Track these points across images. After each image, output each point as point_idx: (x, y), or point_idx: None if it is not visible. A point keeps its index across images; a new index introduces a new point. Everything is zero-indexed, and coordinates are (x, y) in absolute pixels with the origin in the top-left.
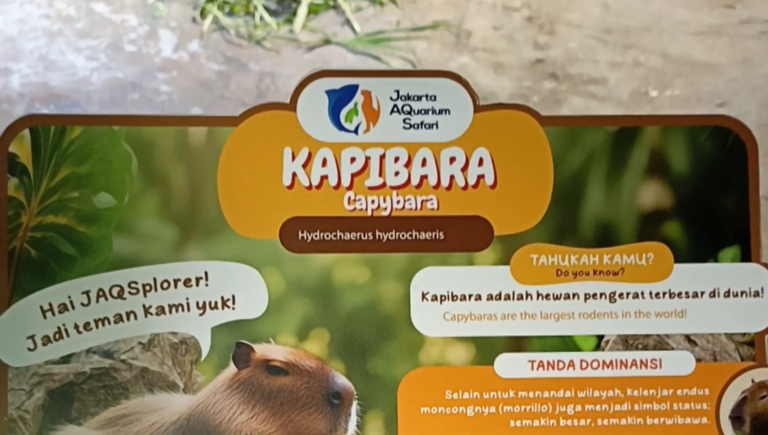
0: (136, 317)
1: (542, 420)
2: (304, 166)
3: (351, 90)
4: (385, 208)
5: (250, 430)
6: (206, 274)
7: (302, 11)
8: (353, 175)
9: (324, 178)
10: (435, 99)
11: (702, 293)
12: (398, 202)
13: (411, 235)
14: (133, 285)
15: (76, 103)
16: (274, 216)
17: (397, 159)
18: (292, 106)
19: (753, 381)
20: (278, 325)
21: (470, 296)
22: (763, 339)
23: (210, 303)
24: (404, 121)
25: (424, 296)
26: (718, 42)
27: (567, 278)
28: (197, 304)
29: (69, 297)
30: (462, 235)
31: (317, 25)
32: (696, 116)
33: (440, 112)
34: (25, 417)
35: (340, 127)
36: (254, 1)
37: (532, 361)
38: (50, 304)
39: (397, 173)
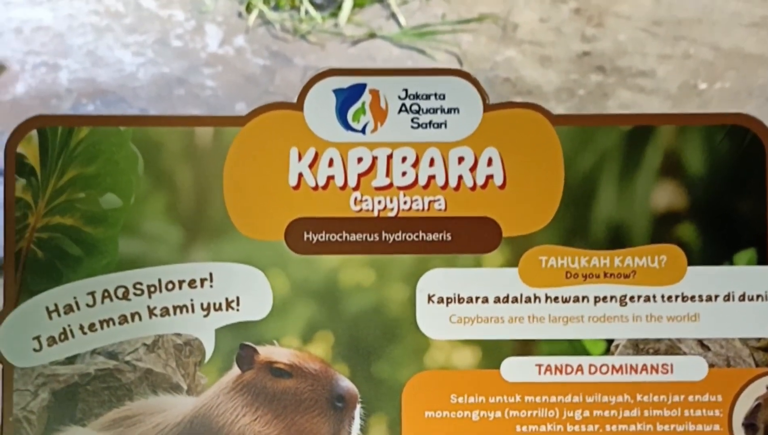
0: (140, 318)
1: (549, 425)
2: (311, 166)
3: (359, 89)
4: (392, 209)
5: (254, 432)
6: (211, 275)
7: (347, 5)
8: (360, 176)
9: (330, 178)
10: (444, 98)
11: (716, 297)
12: (405, 202)
13: (418, 237)
14: (138, 286)
15: (123, 99)
16: (280, 217)
17: (404, 159)
18: (299, 105)
19: (767, 388)
20: (283, 327)
21: (477, 299)
22: None
23: (214, 304)
24: (412, 120)
25: (430, 298)
26: None
27: (577, 281)
28: (202, 305)
29: (74, 298)
30: (470, 237)
31: (362, 18)
32: (712, 115)
33: (449, 111)
34: (30, 418)
35: (348, 127)
36: None
37: (540, 365)
38: (56, 305)
39: (404, 173)
